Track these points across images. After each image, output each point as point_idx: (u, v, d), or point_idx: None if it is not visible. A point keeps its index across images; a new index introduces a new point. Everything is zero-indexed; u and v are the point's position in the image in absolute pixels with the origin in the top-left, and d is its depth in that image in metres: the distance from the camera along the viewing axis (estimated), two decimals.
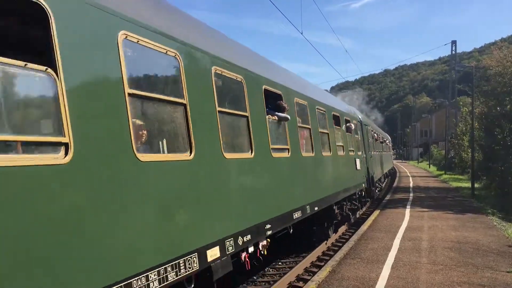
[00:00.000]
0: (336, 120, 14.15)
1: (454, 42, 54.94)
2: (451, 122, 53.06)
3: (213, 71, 6.19)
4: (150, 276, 4.44)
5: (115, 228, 4.11)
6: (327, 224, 13.45)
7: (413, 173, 51.10)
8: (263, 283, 10.03)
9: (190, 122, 5.42)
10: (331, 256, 12.07)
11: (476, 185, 28.08)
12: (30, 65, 3.38)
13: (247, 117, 7.17)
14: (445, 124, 54.10)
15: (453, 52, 55.63)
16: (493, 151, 27.79)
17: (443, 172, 49.64)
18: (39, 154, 3.43)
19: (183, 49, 5.54)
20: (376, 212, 18.77)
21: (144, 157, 4.42)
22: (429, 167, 63.67)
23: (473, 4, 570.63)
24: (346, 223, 16.22)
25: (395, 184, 35.01)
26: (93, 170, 3.81)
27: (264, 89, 8.14)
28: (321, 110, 12.12)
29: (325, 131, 12.30)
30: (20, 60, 3.35)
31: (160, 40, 5.05)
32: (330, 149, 12.54)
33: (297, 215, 9.12)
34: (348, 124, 15.99)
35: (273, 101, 8.75)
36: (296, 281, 10.23)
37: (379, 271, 9.54)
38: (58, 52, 3.62)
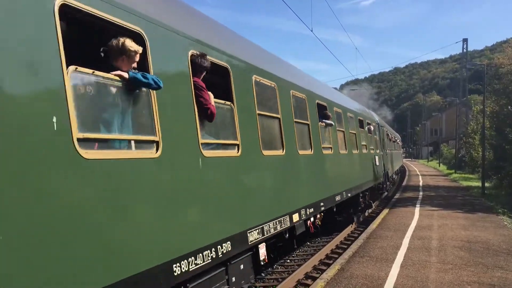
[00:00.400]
0: (361, 123, 17.00)
1: (465, 40, 54.53)
2: (462, 121, 52.66)
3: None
4: (270, 224, 7.51)
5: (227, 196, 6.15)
6: (353, 210, 16.03)
7: (423, 171, 50.85)
8: (272, 280, 10.04)
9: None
10: (339, 254, 12.05)
11: (486, 184, 27.89)
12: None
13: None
14: (456, 122, 53.68)
15: (464, 50, 55.21)
16: (504, 150, 27.55)
17: (453, 171, 49.34)
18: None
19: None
20: (385, 211, 18.70)
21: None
22: (439, 166, 63.33)
23: (485, 2, 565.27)
24: (367, 210, 18.75)
25: (404, 183, 34.86)
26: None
27: (318, 103, 11.16)
28: (350, 115, 14.94)
29: (354, 132, 15.14)
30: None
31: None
32: (357, 147, 15.41)
33: (338, 198, 12.31)
34: (369, 126, 18.73)
35: (319, 111, 11.24)
36: (304, 278, 10.23)
37: (388, 269, 9.51)
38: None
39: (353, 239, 14.40)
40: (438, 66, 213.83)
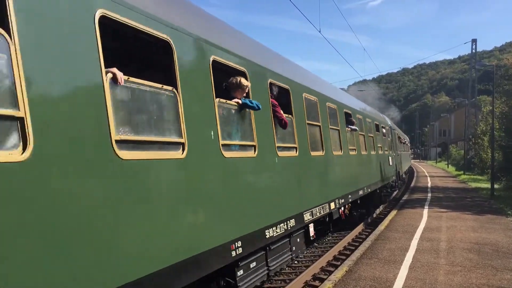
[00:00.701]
0: (377, 127, 19.29)
1: (474, 41, 54.04)
2: (471, 122, 52.30)
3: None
4: (317, 209, 9.65)
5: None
6: (371, 204, 18.43)
7: (431, 173, 50.58)
8: (279, 282, 10.03)
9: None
10: (347, 256, 12.00)
11: (495, 186, 27.64)
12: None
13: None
14: (465, 123, 53.34)
15: (473, 50, 54.73)
16: None
17: (462, 172, 48.99)
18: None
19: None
20: (394, 212, 18.61)
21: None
22: (448, 167, 62.93)
23: (494, 2, 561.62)
24: (381, 205, 21.15)
25: (412, 184, 34.66)
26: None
27: (345, 112, 13.35)
28: (369, 120, 17.25)
29: (371, 135, 17.56)
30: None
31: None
32: (374, 149, 17.77)
33: (361, 192, 14.70)
34: (383, 130, 21.21)
35: (346, 117, 13.44)
36: (312, 280, 10.21)
37: (397, 271, 9.46)
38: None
39: (361, 240, 14.34)
40: (447, 67, 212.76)
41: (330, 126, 11.28)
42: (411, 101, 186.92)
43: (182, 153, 4.98)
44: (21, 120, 3.07)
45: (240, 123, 6.60)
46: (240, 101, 6.49)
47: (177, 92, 4.97)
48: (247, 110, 6.71)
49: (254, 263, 7.22)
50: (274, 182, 7.68)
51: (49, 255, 3.18)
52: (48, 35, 3.42)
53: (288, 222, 8.09)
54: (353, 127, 13.87)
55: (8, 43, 3.04)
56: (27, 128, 3.09)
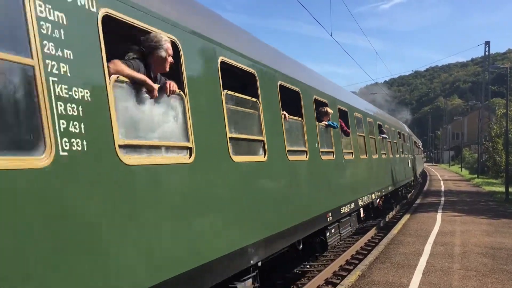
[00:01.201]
0: (399, 134, 22.95)
1: (487, 43, 53.48)
2: (485, 125, 51.74)
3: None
4: (364, 198, 12.91)
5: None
6: (393, 200, 21.91)
7: (445, 176, 50.14)
8: (291, 286, 10.00)
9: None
10: (360, 260, 11.94)
11: (510, 190, 27.28)
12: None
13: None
14: (478, 126, 52.81)
15: (487, 53, 54.16)
16: None
17: (475, 175, 48.48)
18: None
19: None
20: (406, 216, 18.46)
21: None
22: (461, 170, 62.33)
23: (508, 3, 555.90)
24: (403, 201, 24.97)
25: (425, 188, 34.38)
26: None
27: (378, 123, 16.81)
28: (393, 129, 20.73)
29: (396, 141, 21.09)
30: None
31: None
32: (397, 152, 21.36)
33: (390, 188, 18.25)
34: (403, 136, 24.97)
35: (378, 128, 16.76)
36: (324, 284, 10.16)
37: (410, 276, 9.38)
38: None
39: (373, 244, 14.25)
40: (460, 70, 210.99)
41: (369, 136, 14.71)
42: (424, 104, 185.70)
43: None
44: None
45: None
46: (326, 123, 10.07)
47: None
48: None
49: (333, 229, 10.70)
50: (342, 175, 11.21)
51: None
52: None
53: (351, 204, 11.63)
54: (384, 135, 17.43)
55: None
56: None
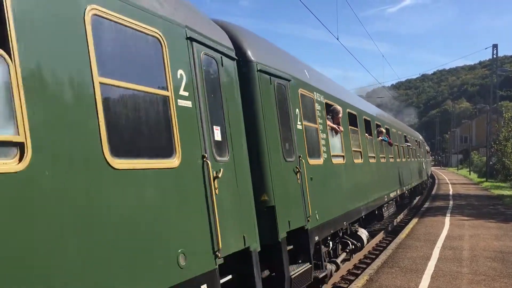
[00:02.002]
0: (416, 142, 29.68)
1: (495, 46, 53.30)
2: (493, 128, 51.40)
3: (391, 130, 18.81)
4: (398, 190, 19.11)
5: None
6: (415, 193, 28.92)
7: (453, 180, 49.83)
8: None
9: (392, 149, 18.19)
10: (368, 265, 11.90)
11: None
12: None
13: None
14: (486, 129, 52.47)
15: (495, 56, 53.98)
16: None
17: (484, 179, 48.14)
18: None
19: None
20: (414, 220, 18.39)
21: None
22: (470, 174, 61.92)
23: None
24: (419, 196, 30.72)
25: (434, 192, 34.20)
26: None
27: (404, 135, 23.53)
28: (411, 137, 26.84)
29: (414, 148, 27.05)
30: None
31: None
32: (415, 156, 27.28)
33: (412, 185, 24.36)
34: (419, 142, 31.55)
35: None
36: None
37: (418, 281, 9.34)
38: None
39: (381, 249, 14.21)
40: (467, 73, 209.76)
41: (400, 145, 20.86)
42: (431, 108, 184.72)
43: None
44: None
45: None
46: (381, 138, 15.95)
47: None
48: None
49: (385, 208, 16.15)
50: (391, 173, 17.74)
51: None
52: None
53: (391, 193, 16.95)
54: (408, 144, 23.53)
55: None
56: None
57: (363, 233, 12.11)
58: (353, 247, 11.23)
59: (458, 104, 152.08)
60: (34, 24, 3.14)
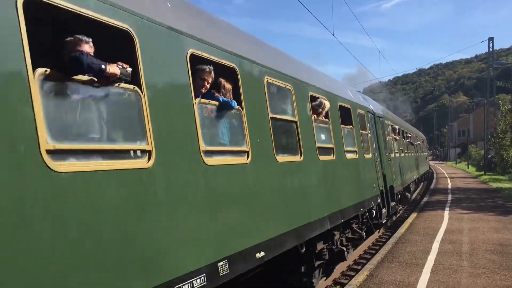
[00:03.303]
0: (420, 139, 35.96)
1: (491, 39, 53.31)
2: (490, 121, 51.48)
3: (402, 131, 23.04)
4: (416, 175, 27.74)
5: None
6: (420, 181, 34.95)
7: (451, 174, 49.91)
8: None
9: (405, 144, 23.51)
10: (368, 260, 11.92)
11: None
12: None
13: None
14: (484, 123, 52.52)
15: (491, 49, 54.00)
16: None
17: (482, 172, 48.23)
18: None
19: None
20: (414, 215, 18.41)
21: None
22: (468, 167, 62.03)
23: (510, 0, 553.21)
24: (422, 183, 35.65)
25: (432, 186, 34.27)
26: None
27: (407, 135, 25.80)
28: (415, 135, 31.07)
29: (420, 143, 33.93)
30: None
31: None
32: (422, 151, 35.26)
33: (414, 177, 25.53)
34: (422, 139, 39.20)
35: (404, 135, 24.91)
36: (333, 285, 10.16)
37: (419, 275, 9.35)
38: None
39: (381, 244, 14.23)
40: (464, 66, 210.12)
41: (415, 143, 27.35)
42: (428, 102, 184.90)
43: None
44: None
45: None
46: (409, 140, 25.37)
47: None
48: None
49: (412, 187, 24.90)
50: (414, 162, 26.14)
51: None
52: None
53: (414, 176, 23.83)
54: (410, 140, 25.33)
55: None
56: None
57: (411, 191, 25.92)
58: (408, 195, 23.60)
59: (455, 98, 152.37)
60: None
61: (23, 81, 3.14)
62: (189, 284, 4.46)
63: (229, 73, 5.85)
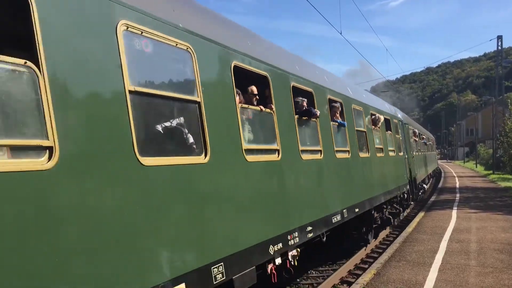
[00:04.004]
0: (430, 139, 40.63)
1: (500, 37, 52.98)
2: (499, 120, 51.12)
3: (417, 133, 27.16)
4: (431, 170, 36.76)
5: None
6: (434, 176, 41.89)
7: (459, 173, 49.66)
8: (306, 286, 10.01)
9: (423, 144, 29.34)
10: (375, 259, 11.90)
11: None
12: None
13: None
14: (492, 122, 52.19)
15: (499, 47, 53.66)
16: None
17: (491, 171, 47.95)
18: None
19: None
20: (421, 214, 18.35)
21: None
22: (476, 166, 61.68)
23: None
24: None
25: (440, 185, 34.12)
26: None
27: (422, 136, 31.27)
28: (425, 136, 32.85)
29: (431, 143, 39.85)
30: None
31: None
32: (432, 150, 42.12)
33: (428, 171, 31.53)
34: (432, 140, 44.80)
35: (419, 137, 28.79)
36: (340, 283, 10.16)
37: (426, 274, 9.34)
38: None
39: (388, 243, 14.20)
40: (472, 65, 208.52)
41: (427, 143, 32.85)
42: (436, 101, 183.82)
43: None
44: None
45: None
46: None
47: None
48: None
49: (427, 180, 30.39)
50: (431, 159, 35.33)
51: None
52: None
53: (428, 172, 31.01)
54: (424, 141, 29.74)
55: None
56: None
57: (426, 182, 30.92)
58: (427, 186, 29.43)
59: (463, 96, 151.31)
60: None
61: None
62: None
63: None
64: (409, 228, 14.98)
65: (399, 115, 18.67)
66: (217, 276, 4.87)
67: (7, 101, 3.06)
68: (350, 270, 11.27)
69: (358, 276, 10.21)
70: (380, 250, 13.32)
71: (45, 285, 3.09)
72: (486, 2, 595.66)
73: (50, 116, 3.23)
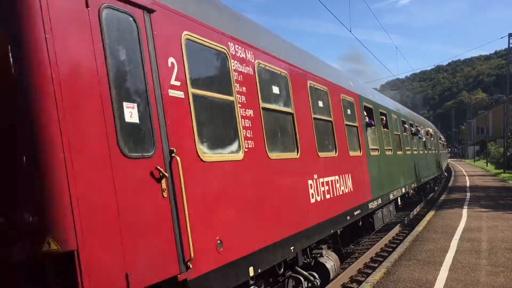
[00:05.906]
0: (435, 135, 35.06)
1: (511, 35, 52.40)
2: (510, 118, 50.64)
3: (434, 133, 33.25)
4: (443, 165, 42.02)
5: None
6: (443, 175, 41.12)
7: (470, 172, 49.30)
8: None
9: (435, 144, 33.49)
10: (385, 257, 11.87)
11: None
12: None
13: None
14: (503, 120, 51.67)
15: (510, 45, 53.05)
16: None
17: (501, 170, 47.52)
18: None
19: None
20: (431, 213, 18.26)
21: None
22: (487, 165, 61.16)
23: None
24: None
25: (450, 184, 33.90)
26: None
27: (439, 136, 40.23)
28: (441, 137, 43.43)
29: (442, 142, 42.58)
30: None
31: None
32: (445, 149, 51.87)
33: (444, 165, 42.23)
34: (442, 140, 44.65)
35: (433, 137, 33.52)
36: (349, 282, 10.15)
37: (437, 273, 9.30)
38: None
39: (398, 241, 14.16)
40: (483, 63, 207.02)
41: (439, 141, 36.41)
42: (446, 99, 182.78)
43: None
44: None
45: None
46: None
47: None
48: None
49: (442, 176, 38.11)
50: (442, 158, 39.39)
51: None
52: None
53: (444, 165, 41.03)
54: (441, 141, 33.44)
55: None
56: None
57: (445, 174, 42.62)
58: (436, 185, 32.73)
59: (474, 95, 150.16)
60: None
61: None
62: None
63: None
64: (419, 227, 14.91)
65: (429, 123, 29.21)
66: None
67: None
68: (359, 268, 11.26)
69: (368, 274, 10.19)
70: (390, 249, 13.28)
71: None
72: (495, 1, 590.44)
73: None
